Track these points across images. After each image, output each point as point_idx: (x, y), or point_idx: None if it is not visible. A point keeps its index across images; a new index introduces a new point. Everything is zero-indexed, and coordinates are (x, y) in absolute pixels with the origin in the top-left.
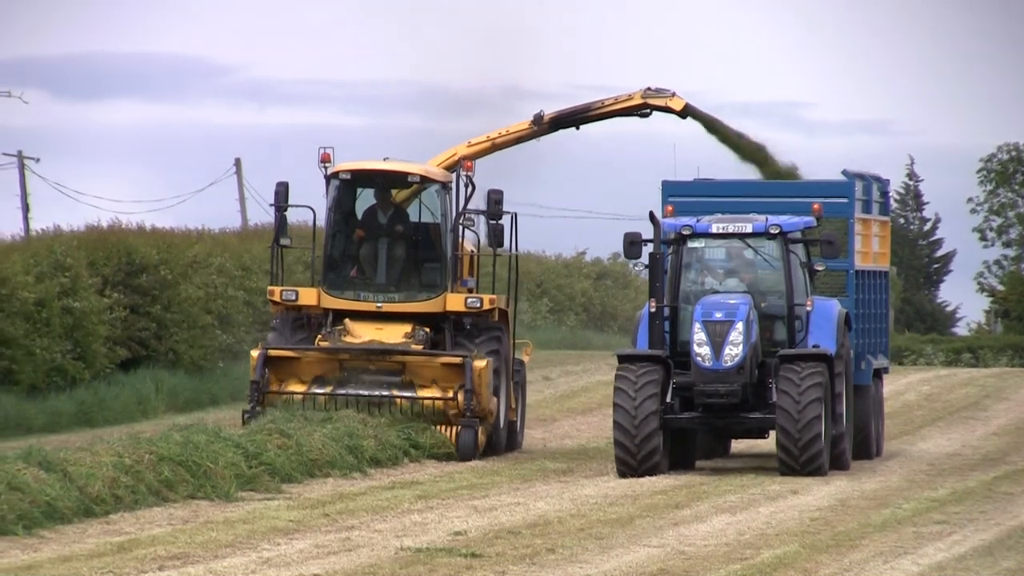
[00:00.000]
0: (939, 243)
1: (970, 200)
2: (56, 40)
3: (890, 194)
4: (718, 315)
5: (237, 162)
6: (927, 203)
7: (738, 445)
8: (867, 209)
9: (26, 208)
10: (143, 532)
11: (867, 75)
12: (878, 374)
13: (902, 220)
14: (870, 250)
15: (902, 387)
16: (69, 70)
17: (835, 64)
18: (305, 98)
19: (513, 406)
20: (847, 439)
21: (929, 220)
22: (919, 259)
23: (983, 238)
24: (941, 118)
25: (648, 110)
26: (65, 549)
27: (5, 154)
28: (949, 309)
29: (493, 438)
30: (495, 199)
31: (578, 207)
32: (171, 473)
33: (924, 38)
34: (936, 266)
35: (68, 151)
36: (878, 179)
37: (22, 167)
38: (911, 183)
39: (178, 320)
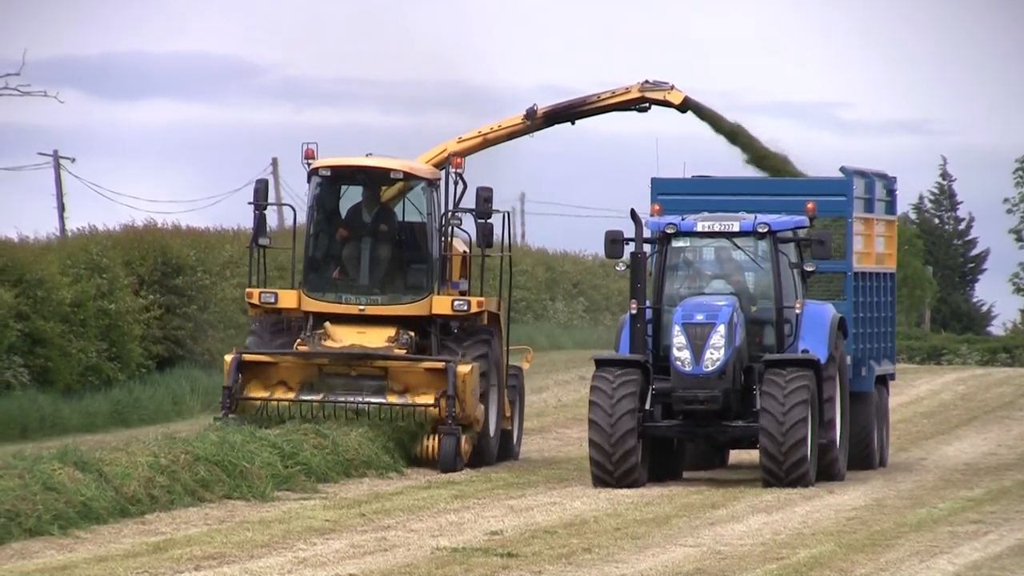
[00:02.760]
0: (973, 243)
1: (1006, 200)
2: (92, 40)
3: (896, 192)
4: (699, 317)
5: (274, 162)
6: (961, 203)
7: (742, 455)
8: (870, 208)
9: (62, 208)
10: (179, 532)
11: (905, 75)
12: (883, 380)
13: (936, 220)
14: (873, 251)
15: (938, 387)
16: (105, 70)
17: (873, 64)
18: (343, 97)
19: (508, 414)
20: (840, 448)
21: (963, 220)
22: (954, 259)
23: (1019, 238)
24: (980, 118)
25: (647, 104)
26: (101, 549)
27: (41, 154)
28: (984, 309)
29: (483, 447)
30: (484, 197)
31: (620, 207)
32: (207, 473)
33: (963, 37)
34: (971, 266)
35: (104, 151)
36: (883, 176)
37: (58, 167)
38: (945, 183)
39: (214, 320)
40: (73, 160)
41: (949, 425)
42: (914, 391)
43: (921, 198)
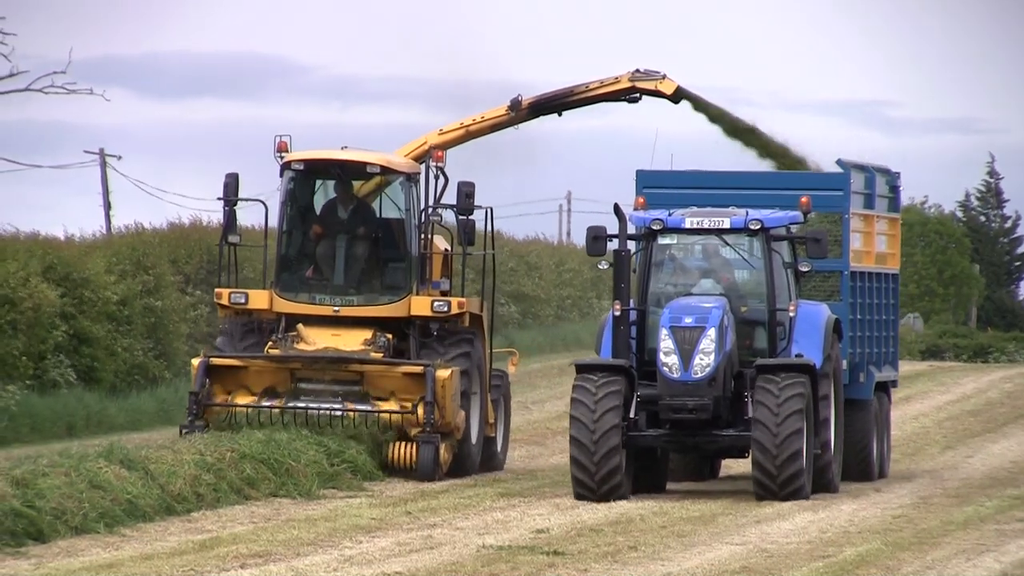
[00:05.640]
0: (1019, 240)
1: None
2: (138, 39)
3: (900, 188)
4: (688, 320)
5: None
6: (1007, 201)
7: (739, 465)
8: (870, 204)
9: (108, 206)
10: (225, 530)
11: (953, 73)
12: (884, 387)
13: (983, 218)
14: (873, 249)
15: (984, 385)
16: (151, 68)
17: (920, 62)
18: (389, 96)
19: (491, 421)
20: (835, 459)
21: (1010, 218)
22: (999, 256)
23: None
24: None
25: (637, 94)
26: (147, 547)
27: (87, 152)
28: None
29: (464, 456)
30: (466, 192)
31: None
32: (253, 471)
33: (1011, 35)
34: (1017, 264)
35: (150, 149)
36: (886, 172)
37: (104, 165)
38: (991, 181)
39: None
40: (119, 158)
41: (996, 423)
42: (960, 389)
43: (967, 196)
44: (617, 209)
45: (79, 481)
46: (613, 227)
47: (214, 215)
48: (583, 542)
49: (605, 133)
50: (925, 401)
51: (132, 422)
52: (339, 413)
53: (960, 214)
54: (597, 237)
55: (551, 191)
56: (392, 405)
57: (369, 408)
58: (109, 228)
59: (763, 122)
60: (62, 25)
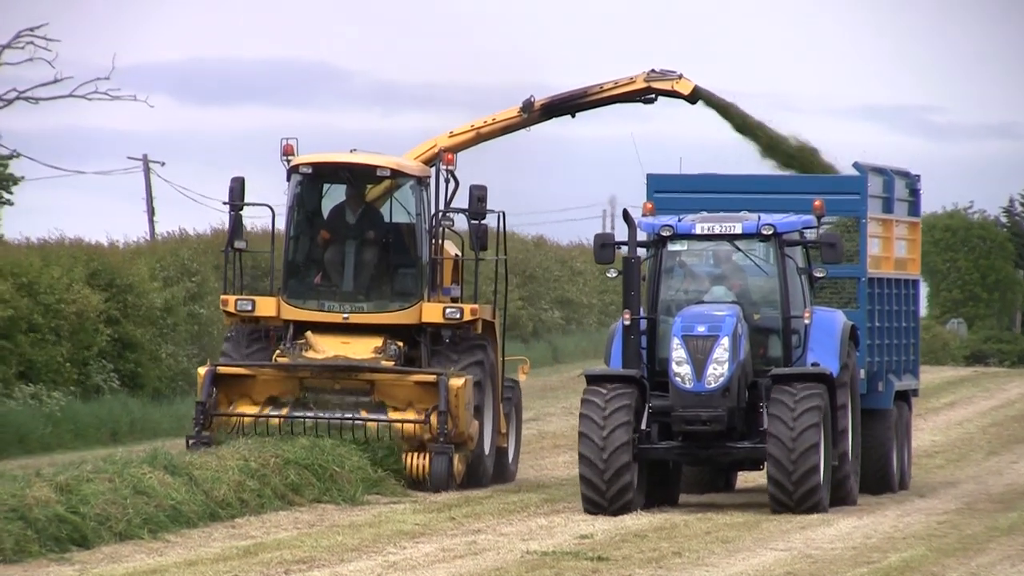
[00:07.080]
0: None
1: None
2: (181, 45)
3: (920, 191)
4: (700, 329)
5: None
6: None
7: (758, 477)
8: (888, 208)
9: (151, 212)
10: (269, 536)
11: (996, 78)
12: (904, 396)
13: None
14: (892, 255)
15: None
16: (194, 75)
17: (964, 67)
18: (431, 102)
19: (503, 431)
20: (852, 470)
21: None
22: None
23: None
24: None
25: (653, 95)
26: (191, 553)
27: (131, 158)
28: None
29: (477, 466)
30: (478, 196)
31: None
32: (297, 477)
33: None
34: None
35: (193, 155)
36: (905, 174)
37: (148, 171)
38: None
39: None
40: (163, 164)
41: None
42: (1005, 394)
43: (1012, 201)
44: (626, 215)
45: (123, 487)
46: (623, 234)
47: (257, 221)
48: (627, 548)
49: (649, 138)
50: (969, 407)
51: (176, 428)
52: (350, 423)
53: (1004, 219)
54: (605, 244)
55: (595, 196)
56: (405, 414)
57: (380, 418)
58: (153, 234)
59: (802, 128)
60: (105, 31)
